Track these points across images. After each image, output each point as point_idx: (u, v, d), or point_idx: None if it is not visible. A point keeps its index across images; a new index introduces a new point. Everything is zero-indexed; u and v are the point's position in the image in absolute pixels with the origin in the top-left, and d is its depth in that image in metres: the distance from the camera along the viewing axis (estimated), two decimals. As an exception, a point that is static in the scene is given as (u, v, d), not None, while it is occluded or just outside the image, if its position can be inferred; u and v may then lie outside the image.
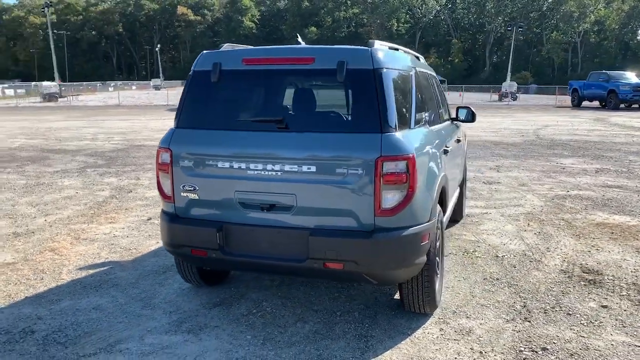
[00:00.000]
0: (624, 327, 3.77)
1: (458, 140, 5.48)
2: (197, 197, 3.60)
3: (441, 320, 3.88)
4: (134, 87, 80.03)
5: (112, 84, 75.31)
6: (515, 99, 39.86)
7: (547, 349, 3.45)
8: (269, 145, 3.41)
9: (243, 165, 3.44)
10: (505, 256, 5.27)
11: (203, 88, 3.65)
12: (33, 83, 49.12)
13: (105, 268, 4.96)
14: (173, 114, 3.90)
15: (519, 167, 10.79)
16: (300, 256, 3.37)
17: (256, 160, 3.41)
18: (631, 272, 4.84)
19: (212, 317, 3.92)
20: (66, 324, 3.79)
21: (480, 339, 3.59)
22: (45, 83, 41.81)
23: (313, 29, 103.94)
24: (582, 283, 4.58)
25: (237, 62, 3.61)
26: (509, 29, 65.08)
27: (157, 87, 66.66)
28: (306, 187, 3.35)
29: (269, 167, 3.39)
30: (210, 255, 3.56)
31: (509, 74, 51.66)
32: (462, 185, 6.26)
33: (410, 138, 3.42)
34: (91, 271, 4.86)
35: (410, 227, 3.37)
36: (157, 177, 3.75)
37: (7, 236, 5.95)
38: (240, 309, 4.05)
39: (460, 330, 3.72)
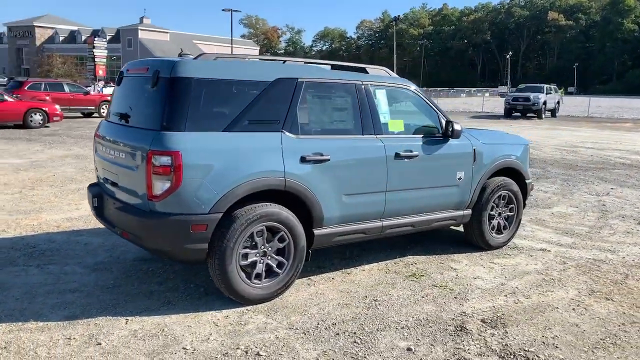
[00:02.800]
0: (379, 368, 3.41)
1: (428, 153, 5.16)
2: (96, 171, 4.91)
3: (244, 311, 4.18)
4: (487, 94, 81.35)
5: (465, 91, 78.43)
6: None
7: (261, 355, 3.52)
8: (114, 135, 4.45)
9: (105, 149, 4.58)
10: (445, 287, 4.79)
11: (116, 88, 4.90)
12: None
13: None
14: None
15: None
16: (114, 224, 4.34)
17: (109, 145, 4.51)
18: (551, 336, 3.89)
19: (113, 261, 5.17)
20: (52, 247, 5.62)
21: (221, 330, 3.85)
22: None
23: None
24: (450, 328, 3.99)
25: (126, 70, 4.72)
26: None
27: (502, 95, 66.34)
28: (121, 170, 4.29)
29: (111, 152, 4.45)
30: (94, 214, 4.83)
31: None
32: (480, 209, 5.65)
33: (191, 138, 3.93)
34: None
35: (177, 214, 3.93)
36: None
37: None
38: (144, 265, 5.15)
39: (237, 321, 4.01)
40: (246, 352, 3.56)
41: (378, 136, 4.88)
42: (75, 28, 72.45)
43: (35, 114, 18.71)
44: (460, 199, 5.52)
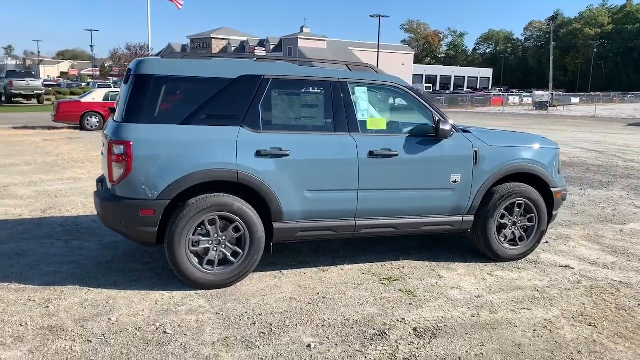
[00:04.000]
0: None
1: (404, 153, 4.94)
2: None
3: (191, 294, 4.42)
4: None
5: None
6: None
7: (167, 333, 3.75)
8: (106, 129, 4.98)
9: (102, 142, 5.15)
10: (410, 293, 4.57)
11: None
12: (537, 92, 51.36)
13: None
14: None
15: None
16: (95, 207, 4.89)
17: (103, 139, 5.06)
18: (476, 353, 3.58)
19: (126, 241, 5.69)
20: (91, 227, 6.41)
21: (156, 308, 4.13)
22: (538, 92, 43.74)
23: None
24: (371, 332, 3.84)
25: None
26: None
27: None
28: (103, 159, 4.80)
29: (103, 144, 4.99)
30: None
31: None
32: (485, 216, 5.24)
33: (144, 130, 4.27)
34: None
35: (129, 199, 4.33)
36: None
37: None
38: (147, 247, 5.64)
39: (177, 302, 4.27)
40: (156, 329, 3.81)
41: (352, 134, 4.80)
42: (245, 39, 78.74)
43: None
44: (457, 204, 5.17)
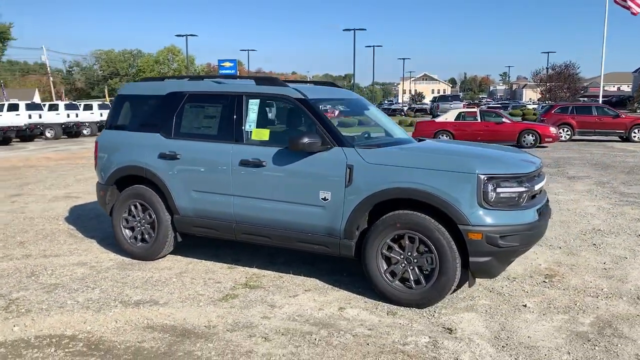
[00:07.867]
0: None
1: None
2: None
3: (119, 260, 5.81)
4: None
5: None
6: None
7: (53, 275, 5.37)
8: None
9: None
10: (228, 299, 4.70)
11: None
12: None
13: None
14: None
15: None
16: None
17: None
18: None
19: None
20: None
21: (88, 264, 5.71)
22: None
23: None
24: (115, 304, 4.46)
25: None
26: None
27: None
28: None
29: None
30: None
31: None
32: (364, 244, 4.54)
33: (106, 133, 5.99)
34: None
35: (98, 183, 6.14)
36: None
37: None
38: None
39: (98, 262, 5.76)
40: (52, 272, 5.42)
41: (234, 142, 5.13)
42: None
43: (528, 135, 20.17)
44: (330, 224, 4.66)
